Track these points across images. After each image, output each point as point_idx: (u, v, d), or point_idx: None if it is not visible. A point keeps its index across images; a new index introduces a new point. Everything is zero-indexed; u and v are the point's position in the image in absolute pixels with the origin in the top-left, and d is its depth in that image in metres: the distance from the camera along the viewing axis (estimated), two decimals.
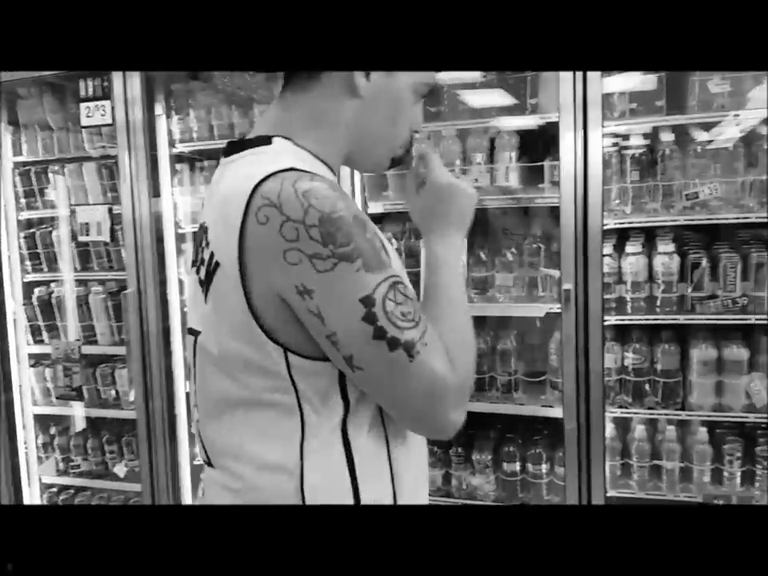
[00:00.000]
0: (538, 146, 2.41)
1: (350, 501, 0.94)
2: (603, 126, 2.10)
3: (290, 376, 0.91)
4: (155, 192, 2.60)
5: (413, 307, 0.89)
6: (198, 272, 0.98)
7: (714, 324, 2.19)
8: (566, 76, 2.09)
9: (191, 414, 1.10)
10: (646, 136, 2.26)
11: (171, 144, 2.65)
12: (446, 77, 2.36)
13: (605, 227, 2.15)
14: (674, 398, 2.22)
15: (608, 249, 2.25)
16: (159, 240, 2.61)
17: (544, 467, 2.39)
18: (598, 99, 2.07)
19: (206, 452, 1.05)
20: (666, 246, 2.19)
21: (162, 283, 2.63)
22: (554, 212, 2.22)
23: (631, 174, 2.21)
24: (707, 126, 2.17)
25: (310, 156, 0.99)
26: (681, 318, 2.18)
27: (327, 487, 0.94)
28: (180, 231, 2.67)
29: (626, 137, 2.27)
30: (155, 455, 2.69)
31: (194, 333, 1.02)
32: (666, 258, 2.18)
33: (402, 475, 0.99)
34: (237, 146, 1.00)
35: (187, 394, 2.70)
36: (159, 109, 2.64)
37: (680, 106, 2.16)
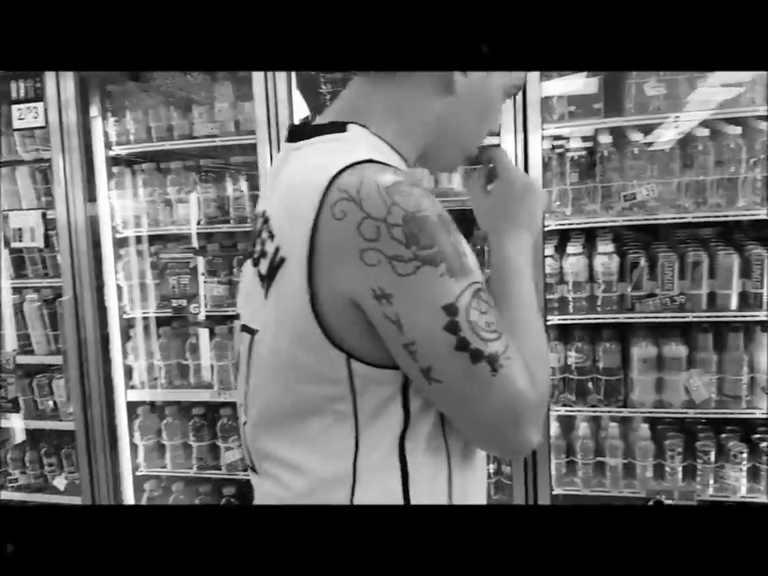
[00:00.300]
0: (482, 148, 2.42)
1: None
2: (543, 129, 2.12)
3: (351, 384, 0.84)
4: (91, 196, 2.52)
5: (495, 317, 0.83)
6: (256, 264, 0.91)
7: (654, 322, 2.24)
8: None
9: (238, 416, 1.04)
10: (585, 138, 2.30)
11: (107, 146, 2.57)
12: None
13: (546, 228, 2.18)
14: (616, 395, 2.26)
15: (549, 250, 2.28)
16: (96, 245, 2.53)
17: (491, 467, 2.41)
18: (537, 102, 2.09)
19: (250, 457, 1.00)
20: (605, 247, 2.23)
21: (100, 289, 2.55)
22: None
23: (571, 175, 2.24)
24: (644, 128, 2.22)
25: (387, 147, 0.92)
26: (621, 317, 2.22)
27: (377, 503, 0.89)
28: (118, 236, 2.60)
29: (565, 139, 2.30)
30: (95, 467, 2.62)
31: (249, 331, 0.94)
32: (606, 259, 2.22)
33: (459, 497, 0.93)
34: (304, 131, 0.93)
35: (128, 403, 2.64)
36: (95, 110, 2.56)
37: (617, 108, 2.20)
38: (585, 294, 2.27)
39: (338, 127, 0.91)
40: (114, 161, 2.61)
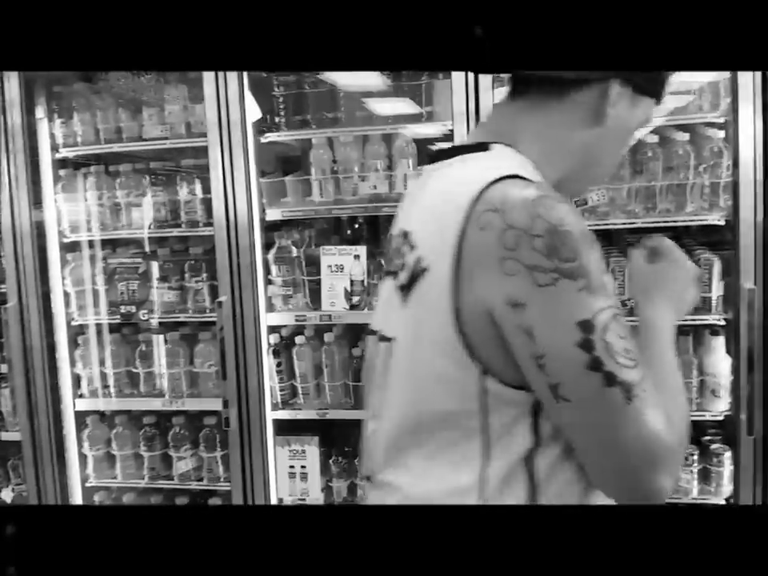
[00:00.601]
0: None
1: None
2: None
3: (482, 400, 0.84)
4: (37, 199, 2.44)
5: (633, 346, 0.80)
6: (395, 278, 0.94)
7: None
8: (458, 86, 2.12)
9: (365, 425, 1.07)
10: None
11: (54, 149, 2.50)
12: (343, 83, 2.34)
13: None
14: None
15: None
16: (42, 250, 2.46)
17: None
18: (490, 108, 2.10)
19: (372, 466, 1.00)
20: None
21: (46, 296, 2.47)
22: None
23: None
24: None
25: (531, 166, 0.93)
26: None
27: None
28: (65, 240, 2.52)
29: None
30: (43, 478, 2.53)
31: (386, 339, 0.96)
32: None
33: None
34: (447, 152, 0.96)
35: (77, 413, 2.56)
36: (40, 112, 2.48)
37: None
38: None
39: (481, 147, 0.93)
40: (60, 163, 2.54)
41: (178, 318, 2.46)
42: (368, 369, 1.06)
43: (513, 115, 0.98)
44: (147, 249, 2.54)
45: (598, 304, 0.79)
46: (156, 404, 2.49)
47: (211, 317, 2.37)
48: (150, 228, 2.46)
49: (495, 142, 0.93)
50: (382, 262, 2.38)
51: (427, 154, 1.07)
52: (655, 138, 2.17)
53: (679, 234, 2.41)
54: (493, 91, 2.10)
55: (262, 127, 2.34)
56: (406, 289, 0.90)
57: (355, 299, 2.34)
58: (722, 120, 2.10)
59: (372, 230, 2.67)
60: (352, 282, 2.34)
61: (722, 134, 2.13)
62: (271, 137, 2.32)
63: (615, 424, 0.79)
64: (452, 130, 2.14)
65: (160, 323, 2.50)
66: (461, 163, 0.93)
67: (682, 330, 2.23)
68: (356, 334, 2.55)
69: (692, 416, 2.18)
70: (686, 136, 2.16)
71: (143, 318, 2.46)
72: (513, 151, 0.93)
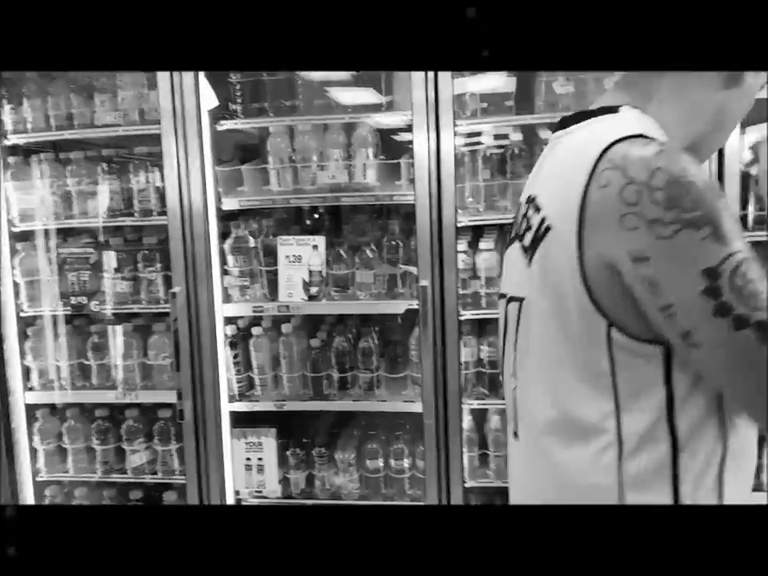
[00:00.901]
0: (397, 144, 2.42)
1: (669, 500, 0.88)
2: (455, 126, 2.13)
3: (610, 354, 0.86)
4: None
5: (766, 289, 0.80)
6: (521, 240, 0.98)
7: None
8: (418, 76, 2.11)
9: (506, 384, 1.10)
10: (497, 136, 2.32)
11: (3, 135, 2.42)
12: (302, 71, 2.31)
13: (459, 224, 2.19)
14: None
15: (463, 246, 2.29)
16: None
17: (406, 462, 2.41)
18: (450, 99, 2.10)
19: (516, 422, 1.03)
20: None
21: None
22: (413, 209, 2.23)
23: (483, 172, 2.26)
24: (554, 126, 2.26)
25: (658, 128, 0.93)
26: None
27: (647, 484, 0.88)
28: (15, 230, 2.45)
29: (477, 135, 2.32)
30: None
31: (516, 300, 1.00)
32: None
33: (730, 479, 0.90)
34: (574, 118, 0.98)
35: (27, 406, 2.50)
36: None
37: (528, 106, 2.23)
38: (497, 289, 2.29)
39: (609, 110, 0.95)
40: (10, 150, 2.47)
41: (132, 309, 2.41)
42: (502, 330, 1.10)
43: (643, 78, 0.99)
44: (101, 238, 2.49)
45: (725, 250, 0.79)
46: (109, 396, 2.44)
47: (165, 308, 2.33)
48: (102, 217, 2.41)
49: (623, 105, 0.95)
50: (341, 252, 2.38)
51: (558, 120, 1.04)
52: None
53: None
54: (452, 81, 2.10)
55: (218, 115, 2.30)
56: (530, 249, 0.94)
57: (313, 290, 2.32)
58: None
59: (333, 221, 2.65)
60: (310, 272, 2.32)
61: None
62: (227, 124, 2.28)
63: (750, 363, 0.79)
64: (412, 120, 2.13)
65: (113, 314, 2.45)
66: (588, 127, 0.95)
67: None
68: (315, 324, 2.53)
69: None
70: None
71: (95, 310, 2.40)
72: (639, 113, 0.95)
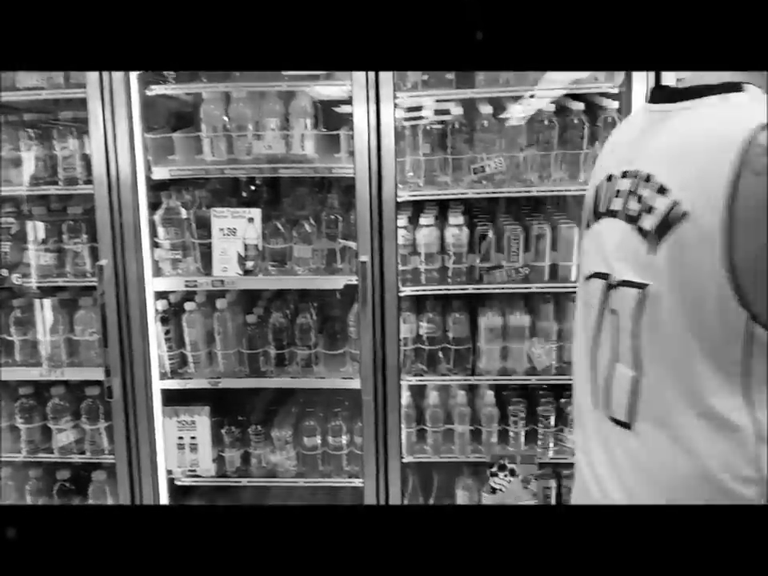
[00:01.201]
0: (338, 116, 2.36)
1: None
2: (396, 98, 2.08)
3: (745, 347, 0.86)
4: None
5: None
6: (635, 221, 0.94)
7: (500, 293, 2.30)
8: None
9: (580, 363, 1.10)
10: (437, 112, 2.28)
11: None
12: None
13: (399, 199, 2.16)
14: (464, 364, 2.30)
15: (403, 221, 2.26)
16: None
17: (344, 439, 2.39)
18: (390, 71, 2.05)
19: (631, 414, 0.98)
20: (455, 219, 2.25)
21: None
22: (352, 182, 2.18)
23: (423, 146, 2.22)
24: (494, 102, 2.24)
25: None
26: (470, 288, 2.26)
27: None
28: None
29: (418, 109, 2.28)
30: None
31: (632, 285, 0.95)
32: (456, 230, 2.24)
33: None
34: (682, 92, 0.96)
35: None
36: None
37: (469, 80, 2.20)
38: (437, 265, 2.28)
39: (734, 87, 0.91)
40: None
41: (57, 282, 2.30)
42: (581, 309, 1.10)
43: None
44: (24, 208, 2.36)
45: None
46: (33, 374, 2.34)
47: (92, 281, 2.23)
48: (25, 185, 2.28)
49: (746, 83, 0.92)
50: (278, 225, 2.31)
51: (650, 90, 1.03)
52: (552, 108, 2.19)
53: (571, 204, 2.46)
54: None
55: (148, 79, 2.19)
56: (656, 234, 0.90)
57: (249, 264, 2.26)
58: (616, 90, 2.13)
59: (271, 193, 2.58)
60: (246, 246, 2.26)
61: (616, 104, 2.17)
62: (158, 89, 2.18)
63: None
64: (351, 91, 2.07)
65: (37, 288, 2.34)
66: (715, 106, 0.91)
67: (573, 298, 2.28)
68: (251, 300, 2.47)
69: None
70: (581, 105, 2.18)
71: (17, 283, 2.28)
72: (762, 92, 0.93)
